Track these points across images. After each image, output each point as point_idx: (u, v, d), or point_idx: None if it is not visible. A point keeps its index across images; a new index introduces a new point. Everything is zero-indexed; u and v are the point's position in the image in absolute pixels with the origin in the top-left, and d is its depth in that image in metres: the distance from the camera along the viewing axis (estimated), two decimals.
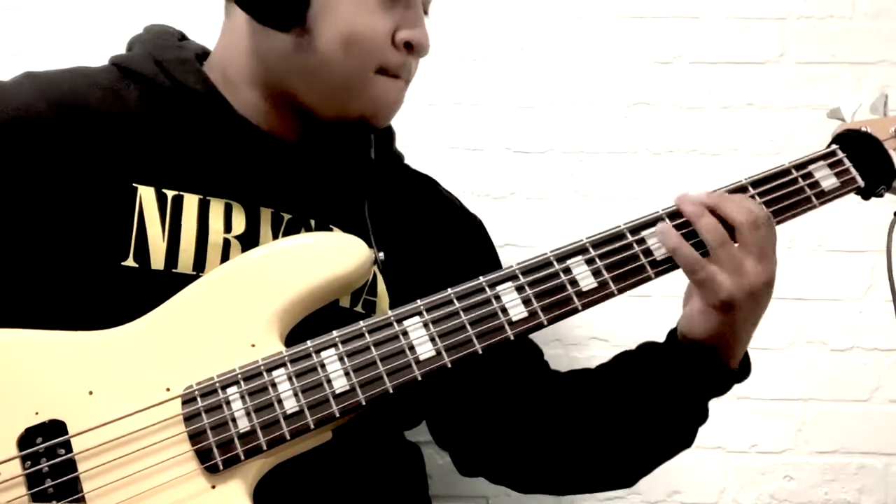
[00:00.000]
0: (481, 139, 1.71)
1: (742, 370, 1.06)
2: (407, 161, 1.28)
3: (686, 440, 1.10)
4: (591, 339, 1.66)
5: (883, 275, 1.56)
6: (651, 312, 1.59)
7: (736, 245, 0.97)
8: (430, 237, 1.18)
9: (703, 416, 1.08)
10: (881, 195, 1.10)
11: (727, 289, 0.95)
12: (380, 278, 1.09)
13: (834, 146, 1.09)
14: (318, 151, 1.11)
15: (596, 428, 1.09)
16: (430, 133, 1.70)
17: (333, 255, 0.96)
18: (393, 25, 1.05)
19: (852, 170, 1.07)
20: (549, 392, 1.14)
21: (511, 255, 1.00)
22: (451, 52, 1.70)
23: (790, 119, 1.68)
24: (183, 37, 1.16)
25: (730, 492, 1.65)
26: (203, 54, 1.14)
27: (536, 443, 1.12)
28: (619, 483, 1.16)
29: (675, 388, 1.03)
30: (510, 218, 1.69)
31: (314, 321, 0.95)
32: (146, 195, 1.00)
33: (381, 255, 1.00)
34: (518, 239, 1.66)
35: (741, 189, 1.03)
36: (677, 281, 1.02)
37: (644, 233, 1.00)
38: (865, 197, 1.11)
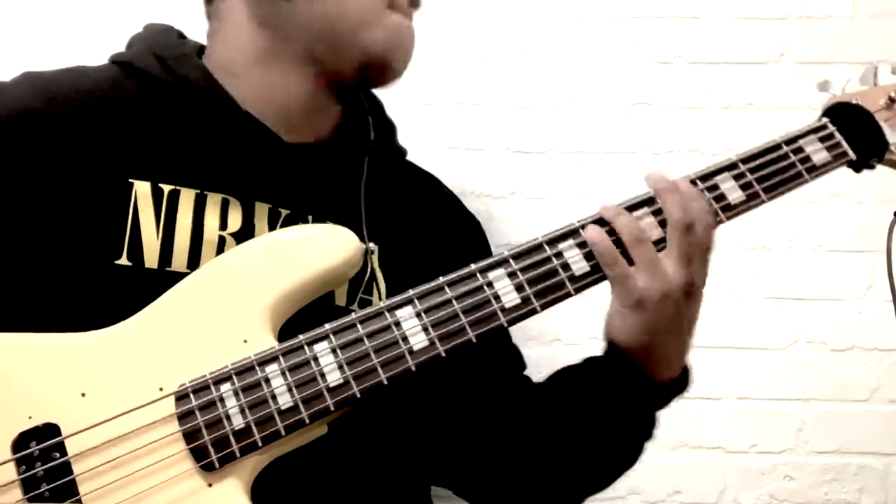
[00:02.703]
0: (481, 139, 1.71)
1: (679, 382, 1.03)
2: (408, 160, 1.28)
3: (630, 456, 1.07)
4: (591, 339, 1.66)
5: (883, 275, 1.55)
6: None
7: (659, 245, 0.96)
8: (427, 235, 1.18)
9: (644, 431, 1.05)
10: (873, 167, 1.08)
11: (639, 288, 0.93)
12: (376, 275, 1.09)
13: (824, 119, 1.07)
14: (318, 147, 1.11)
15: (537, 445, 1.08)
16: (431, 133, 1.70)
17: (323, 248, 0.96)
18: None
19: (843, 143, 1.05)
20: (514, 409, 1.13)
21: None
22: (451, 52, 1.70)
23: (790, 119, 1.66)
24: (181, 35, 1.16)
25: (730, 492, 1.64)
26: (201, 51, 1.14)
27: (493, 459, 1.12)
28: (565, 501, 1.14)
29: (602, 404, 1.02)
30: (510, 218, 1.69)
31: (310, 320, 0.95)
32: (142, 190, 1.00)
33: (373, 245, 1.00)
34: (518, 239, 1.65)
35: (732, 166, 1.02)
36: None
37: (635, 213, 0.98)
38: (857, 169, 1.08)
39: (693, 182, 1.00)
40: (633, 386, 1.00)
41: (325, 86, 1.09)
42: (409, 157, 1.27)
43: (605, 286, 0.99)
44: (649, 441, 1.06)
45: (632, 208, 0.99)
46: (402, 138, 1.27)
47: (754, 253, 1.67)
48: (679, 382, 1.03)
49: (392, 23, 1.08)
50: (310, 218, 1.07)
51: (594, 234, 0.96)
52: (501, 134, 1.71)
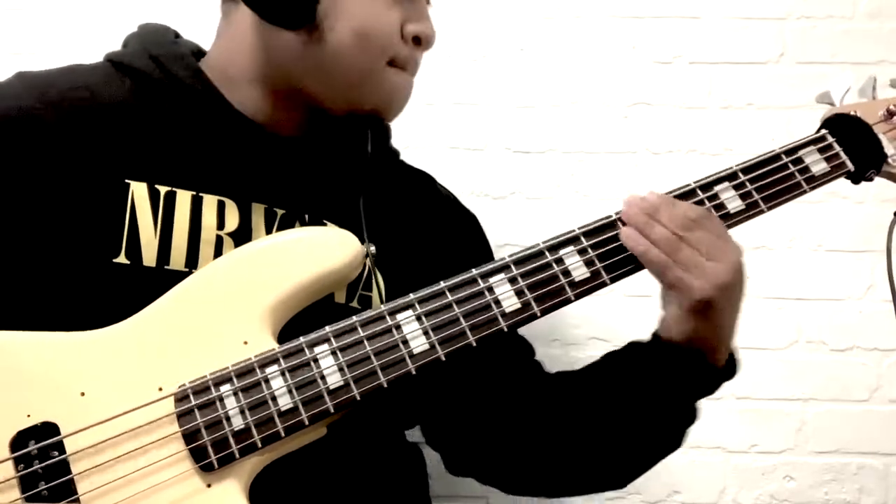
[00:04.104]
0: (481, 139, 1.71)
1: (728, 367, 1.05)
2: (407, 160, 1.28)
3: (674, 441, 1.09)
4: (591, 339, 1.66)
5: (883, 275, 1.55)
6: (651, 312, 1.58)
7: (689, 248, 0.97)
8: (425, 232, 1.18)
9: (691, 417, 1.07)
10: (871, 179, 1.10)
11: (699, 287, 0.95)
12: (375, 274, 1.09)
13: (823, 131, 1.09)
14: (313, 146, 1.11)
15: (584, 430, 1.08)
16: (430, 133, 1.70)
17: (324, 250, 0.96)
18: (401, 19, 1.08)
19: (842, 154, 1.07)
20: (538, 393, 1.14)
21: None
22: (451, 52, 1.70)
23: (790, 119, 1.68)
24: (177, 35, 1.16)
25: (730, 492, 1.64)
26: (198, 52, 1.14)
27: (524, 444, 1.12)
28: (610, 484, 1.15)
29: (660, 389, 1.03)
30: (510, 218, 1.69)
31: (310, 318, 0.95)
32: (138, 191, 1.00)
33: (373, 248, 1.00)
34: (518, 239, 1.66)
35: (732, 176, 1.04)
36: None
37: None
38: (855, 181, 1.10)
39: (693, 191, 1.03)
40: (692, 373, 1.01)
41: (315, 113, 1.10)
42: (410, 157, 1.28)
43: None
44: (692, 425, 1.08)
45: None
46: (402, 138, 1.27)
47: (754, 253, 1.67)
48: (730, 365, 1.05)
49: (390, 83, 1.09)
50: (306, 217, 1.07)
51: (642, 247, 0.97)
52: (501, 134, 1.71)
